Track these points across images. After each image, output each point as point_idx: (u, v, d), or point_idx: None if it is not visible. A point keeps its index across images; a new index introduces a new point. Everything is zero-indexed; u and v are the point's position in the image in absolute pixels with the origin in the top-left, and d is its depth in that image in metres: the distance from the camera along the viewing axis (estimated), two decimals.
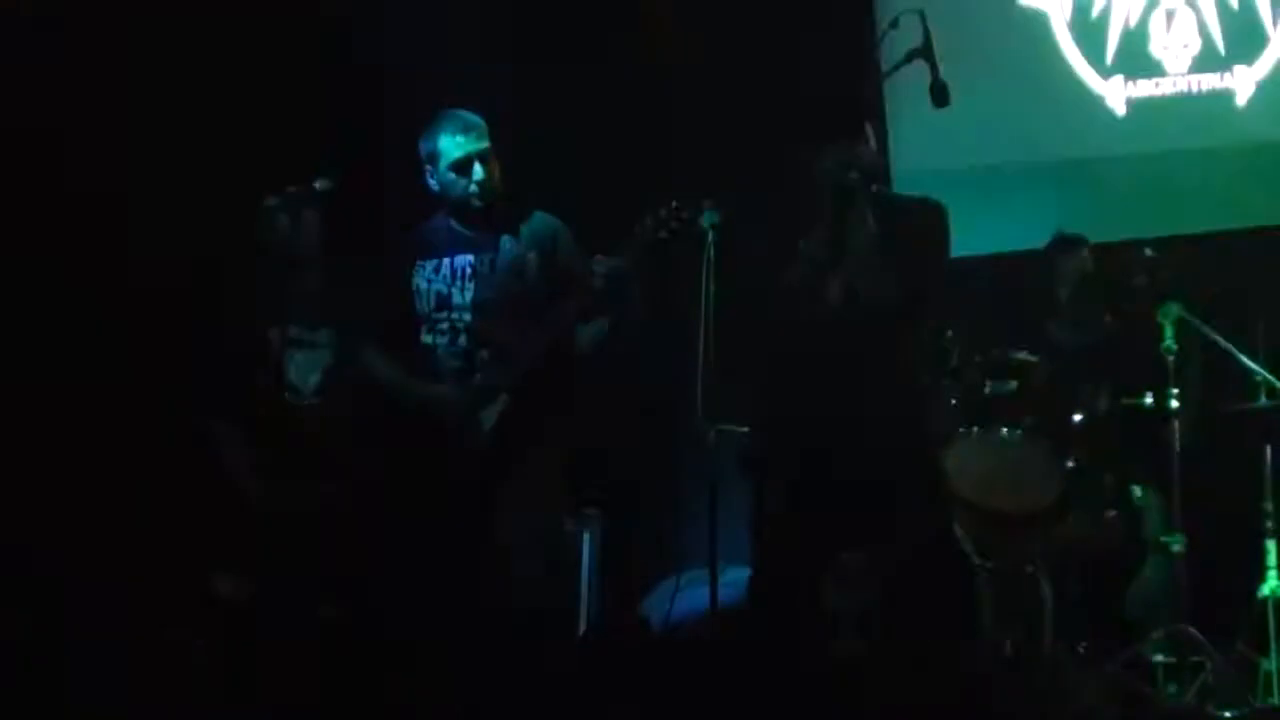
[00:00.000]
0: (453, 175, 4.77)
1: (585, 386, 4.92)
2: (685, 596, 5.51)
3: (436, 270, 4.80)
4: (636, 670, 5.56)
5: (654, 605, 5.80)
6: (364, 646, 4.96)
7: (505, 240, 4.78)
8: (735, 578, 5.12)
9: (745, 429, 5.46)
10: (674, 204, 4.56)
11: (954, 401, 5.33)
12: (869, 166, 4.20)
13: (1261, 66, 6.51)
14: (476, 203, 4.77)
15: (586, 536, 5.85)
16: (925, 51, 4.48)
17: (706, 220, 4.50)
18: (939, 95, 4.47)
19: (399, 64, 6.13)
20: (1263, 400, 5.42)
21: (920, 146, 6.35)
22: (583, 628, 5.78)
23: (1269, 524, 5.40)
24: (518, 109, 5.60)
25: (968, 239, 4.51)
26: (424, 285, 4.80)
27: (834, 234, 4.21)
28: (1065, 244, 5.85)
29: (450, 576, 4.65)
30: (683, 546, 5.86)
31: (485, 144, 4.78)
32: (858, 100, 4.37)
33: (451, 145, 4.76)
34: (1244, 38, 6.54)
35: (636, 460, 6.41)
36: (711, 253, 4.47)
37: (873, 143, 4.32)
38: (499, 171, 4.80)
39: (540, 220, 4.88)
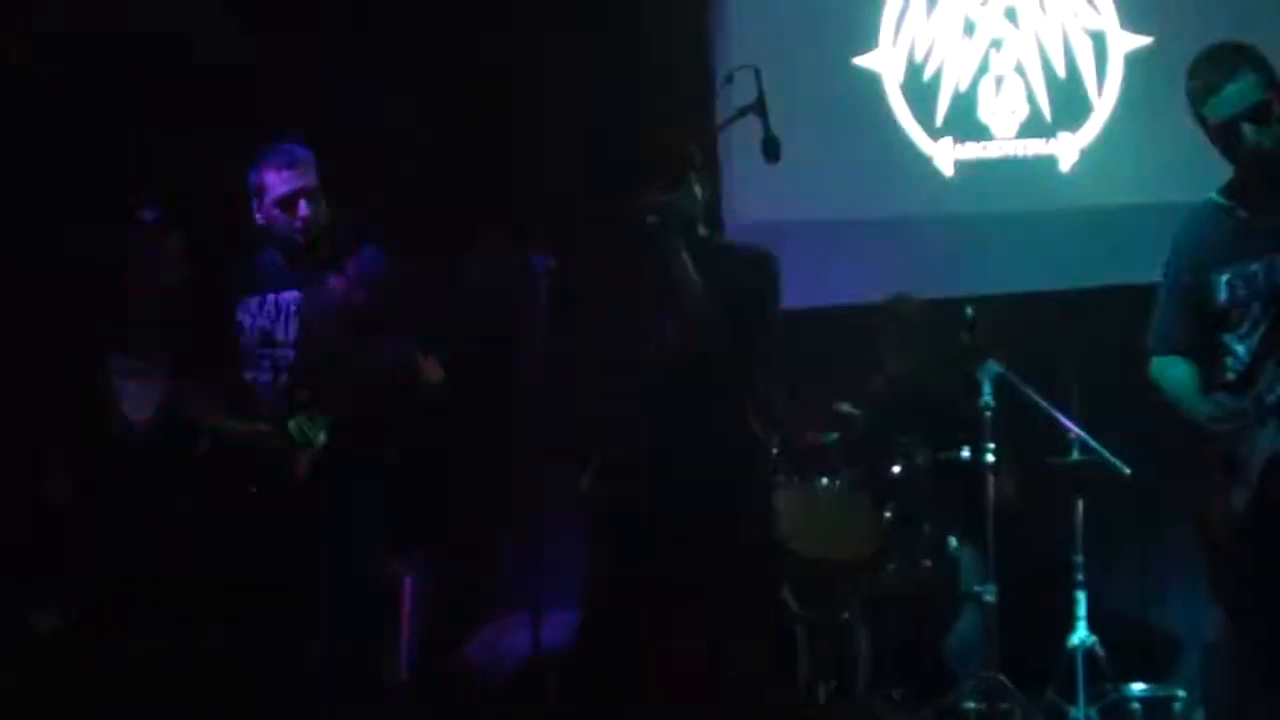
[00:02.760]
0: (277, 211, 4.69)
1: (409, 426, 4.90)
2: (508, 639, 5.52)
3: (261, 306, 4.72)
4: (457, 716, 5.55)
5: (477, 648, 5.79)
6: (180, 684, 4.90)
7: (331, 277, 4.75)
8: (560, 620, 5.13)
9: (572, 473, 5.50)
10: (508, 245, 4.58)
11: (776, 451, 5.41)
12: (679, 214, 4.23)
13: (1085, 134, 6.67)
14: (300, 240, 4.71)
15: (409, 579, 5.81)
16: (758, 107, 4.51)
17: (539, 262, 4.51)
18: (770, 150, 4.50)
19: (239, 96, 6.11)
20: (1075, 455, 5.57)
21: (753, 199, 6.43)
22: (403, 671, 5.73)
23: (1079, 575, 5.56)
24: (352, 145, 5.58)
25: (795, 291, 4.56)
26: (247, 321, 4.72)
27: (650, 280, 4.24)
28: (900, 306, 5.94)
29: (265, 618, 4.59)
30: (506, 588, 5.85)
31: (311, 180, 4.70)
32: (680, 150, 4.40)
33: (276, 180, 4.67)
34: (1069, 106, 6.71)
35: (461, 502, 6.38)
36: (544, 294, 4.47)
37: (696, 191, 4.35)
38: (326, 208, 4.74)
39: (370, 257, 4.83)
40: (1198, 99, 3.91)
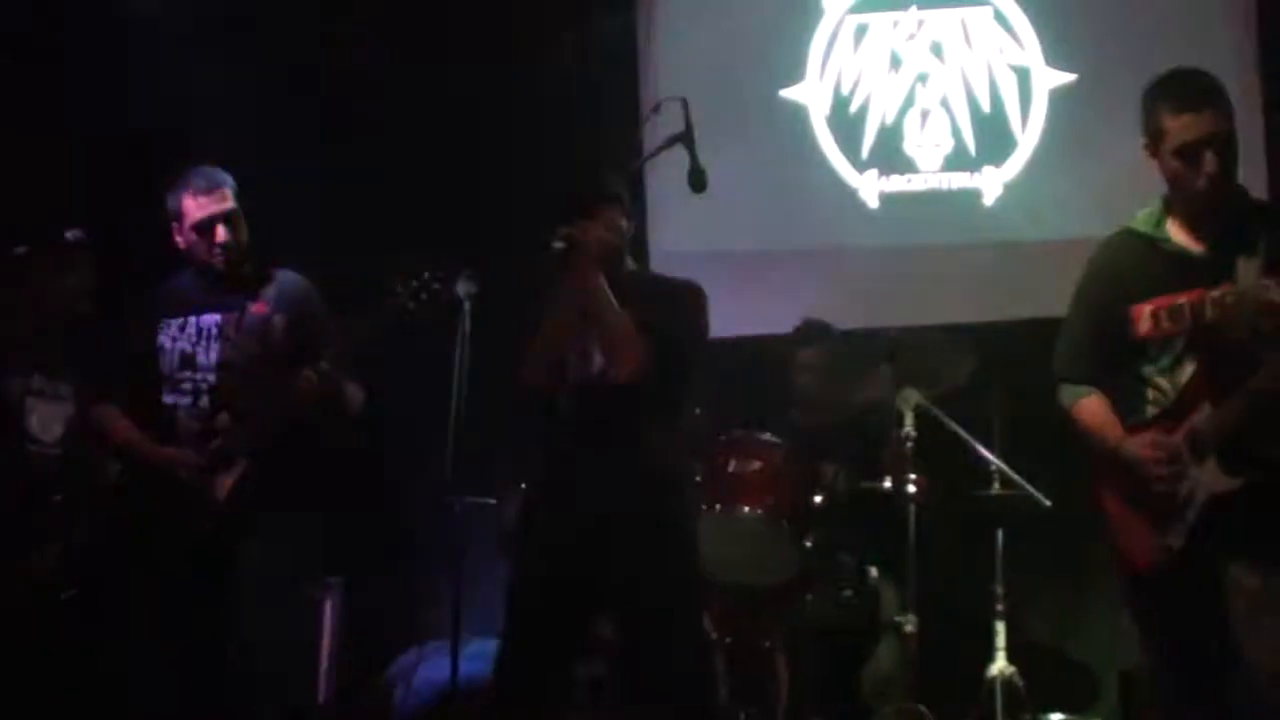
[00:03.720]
0: (196, 236, 4.71)
1: (330, 452, 4.88)
2: (427, 666, 5.50)
3: (182, 328, 4.71)
4: None
5: (396, 675, 5.76)
6: (92, 708, 4.84)
7: (252, 301, 4.73)
8: (479, 649, 5.12)
9: (493, 500, 5.49)
10: (427, 273, 4.56)
11: (698, 479, 5.43)
12: (597, 243, 4.22)
13: (1009, 169, 6.73)
14: (219, 265, 4.71)
15: (328, 604, 5.78)
16: (685, 137, 4.53)
17: (462, 290, 4.50)
18: (696, 181, 4.52)
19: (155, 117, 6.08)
20: (996, 488, 5.61)
21: (678, 229, 6.46)
22: (322, 697, 5.70)
23: (998, 606, 5.60)
24: (272, 167, 5.56)
25: (720, 321, 4.57)
26: (168, 344, 4.71)
27: (566, 313, 4.24)
28: (811, 331, 5.98)
29: (184, 642, 4.56)
30: (426, 617, 5.82)
31: (229, 205, 4.72)
32: (598, 182, 4.40)
33: (193, 206, 4.70)
34: (994, 141, 6.76)
35: (381, 528, 6.36)
36: (466, 323, 4.46)
37: (622, 225, 4.35)
38: (245, 231, 4.75)
39: (289, 281, 4.83)
40: (1167, 113, 3.87)
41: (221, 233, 4.68)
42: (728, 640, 5.30)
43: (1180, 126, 3.85)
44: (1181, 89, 3.91)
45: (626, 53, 6.89)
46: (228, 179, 4.77)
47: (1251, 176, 4.14)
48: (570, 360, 4.30)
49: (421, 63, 6.79)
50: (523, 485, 5.47)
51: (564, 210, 4.24)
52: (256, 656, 4.54)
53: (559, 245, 4.16)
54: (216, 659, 4.55)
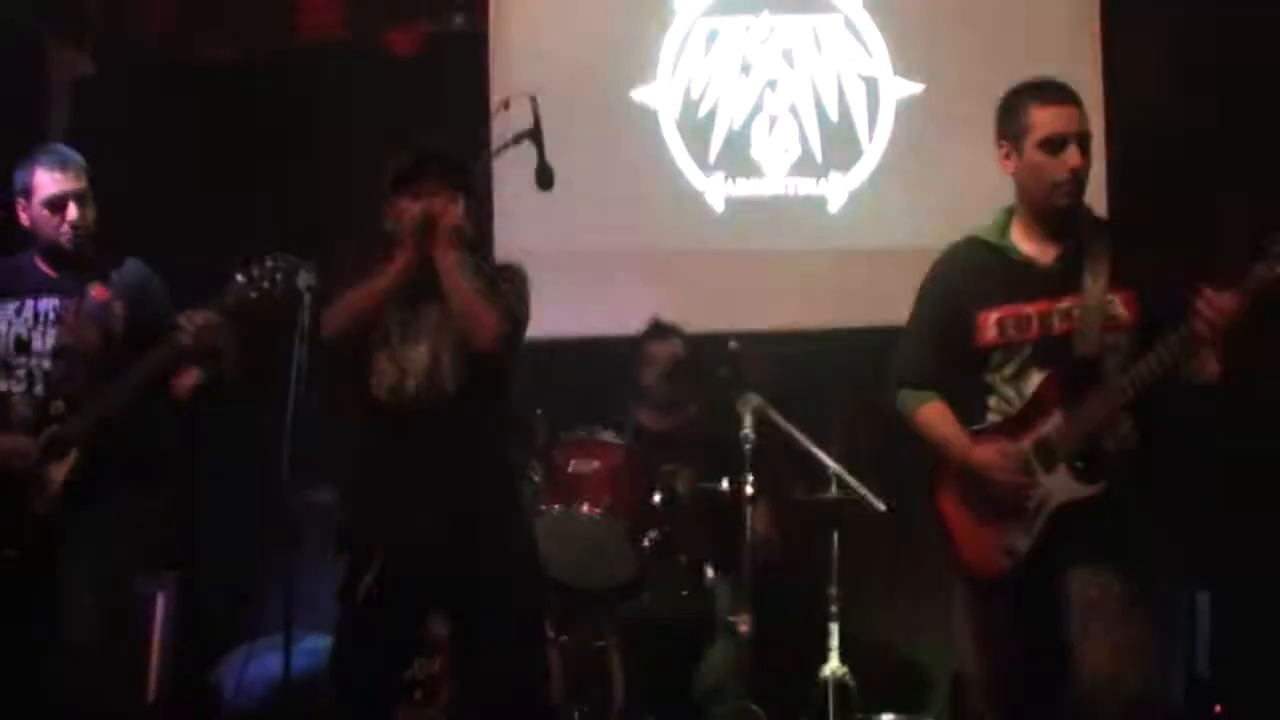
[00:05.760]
0: (45, 213, 4.62)
1: (166, 443, 4.81)
2: (258, 663, 5.43)
3: (18, 312, 4.62)
4: None
5: (227, 671, 5.69)
6: None
7: (92, 286, 4.65)
8: (311, 646, 5.07)
9: (330, 497, 5.43)
10: (268, 262, 4.51)
11: (537, 479, 5.44)
12: (457, 232, 4.18)
13: (855, 177, 6.78)
14: (67, 244, 4.63)
15: (160, 598, 5.70)
16: (534, 134, 4.54)
17: (302, 281, 4.45)
18: (543, 179, 4.54)
19: None
20: (833, 491, 5.68)
21: (524, 228, 6.43)
22: (152, 695, 5.61)
23: (833, 607, 5.67)
24: (118, 153, 5.48)
25: (563, 321, 4.56)
26: (3, 327, 4.61)
27: (394, 281, 4.20)
28: (659, 332, 6.02)
29: (8, 635, 4.46)
30: (259, 612, 5.76)
31: (83, 184, 4.65)
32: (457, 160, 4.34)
33: (47, 180, 4.61)
34: (840, 148, 6.80)
35: (216, 522, 6.27)
36: (306, 315, 4.41)
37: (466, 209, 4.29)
38: (93, 214, 4.67)
39: (132, 268, 4.76)
40: (1035, 106, 3.93)
41: (72, 210, 4.61)
42: (563, 639, 5.32)
43: (1049, 117, 3.91)
44: (1050, 86, 3.99)
45: (475, 46, 6.86)
46: (79, 158, 4.70)
47: (1092, 194, 4.19)
48: (389, 362, 4.24)
49: (265, 52, 6.72)
50: (356, 481, 5.43)
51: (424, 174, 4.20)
52: (83, 656, 4.44)
53: (415, 223, 4.13)
54: (40, 658, 4.45)
